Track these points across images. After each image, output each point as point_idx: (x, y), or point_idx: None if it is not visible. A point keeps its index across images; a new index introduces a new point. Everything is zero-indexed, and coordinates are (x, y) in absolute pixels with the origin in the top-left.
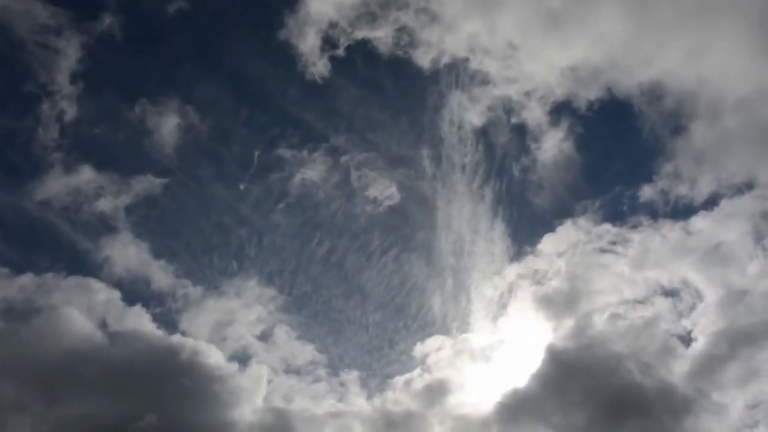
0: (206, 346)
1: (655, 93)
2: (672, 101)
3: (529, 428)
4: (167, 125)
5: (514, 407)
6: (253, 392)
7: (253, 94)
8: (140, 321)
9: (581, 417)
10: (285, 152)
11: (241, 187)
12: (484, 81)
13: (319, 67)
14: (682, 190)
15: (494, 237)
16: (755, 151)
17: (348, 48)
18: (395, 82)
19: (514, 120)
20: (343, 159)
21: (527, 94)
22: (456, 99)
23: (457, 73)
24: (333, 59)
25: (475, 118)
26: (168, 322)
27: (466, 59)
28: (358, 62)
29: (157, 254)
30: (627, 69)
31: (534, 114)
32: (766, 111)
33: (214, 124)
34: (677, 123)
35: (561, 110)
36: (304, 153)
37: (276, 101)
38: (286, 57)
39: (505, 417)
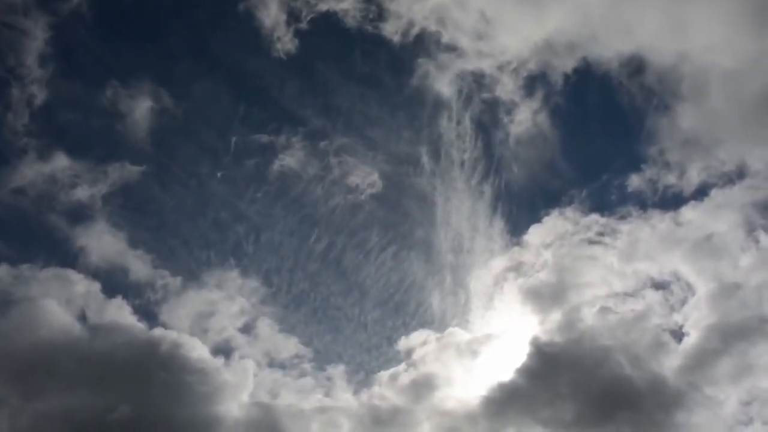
0: (190, 339)
1: (634, 64)
2: (653, 77)
3: (518, 422)
4: (140, 109)
5: (502, 402)
6: (240, 387)
7: (223, 73)
8: (121, 313)
9: (570, 412)
10: (262, 137)
11: (219, 174)
12: (457, 54)
13: (285, 43)
14: (670, 179)
15: (493, 234)
16: (745, 135)
17: (311, 21)
18: (364, 57)
19: (486, 95)
20: (323, 144)
21: (500, 67)
22: (428, 71)
23: (429, 46)
24: (298, 33)
25: (444, 87)
26: (149, 314)
27: (438, 32)
28: (324, 36)
29: (134, 244)
30: (605, 42)
31: (508, 88)
32: (752, 86)
33: (188, 108)
34: (661, 102)
35: (535, 83)
36: (282, 138)
37: (247, 81)
38: (251, 30)
39: (491, 411)
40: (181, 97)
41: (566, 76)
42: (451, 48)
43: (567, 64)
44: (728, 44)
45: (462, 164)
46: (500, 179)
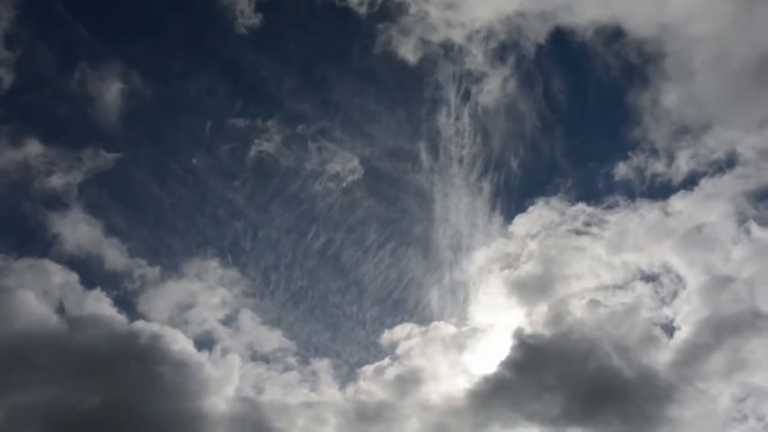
0: (172, 331)
1: (610, 33)
2: (632, 49)
3: (504, 417)
4: (112, 92)
5: (488, 395)
6: (225, 381)
7: (191, 52)
8: (100, 305)
9: (558, 406)
10: (239, 121)
11: (194, 161)
12: (426, 25)
13: (248, 17)
14: (658, 167)
15: (492, 231)
16: (734, 119)
17: None
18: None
19: (454, 68)
20: (300, 128)
21: (470, 37)
22: (392, 38)
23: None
24: (260, 7)
25: (410, 54)
26: (129, 306)
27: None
28: (287, 8)
29: (111, 233)
30: (581, 12)
31: (477, 60)
32: (738, 57)
33: (159, 90)
34: (642, 77)
35: (507, 57)
36: (258, 121)
37: (217, 61)
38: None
39: (477, 405)
40: (151, 78)
41: (539, 47)
42: (419, 17)
43: (540, 33)
44: (710, 10)
45: (461, 160)
46: (499, 175)
